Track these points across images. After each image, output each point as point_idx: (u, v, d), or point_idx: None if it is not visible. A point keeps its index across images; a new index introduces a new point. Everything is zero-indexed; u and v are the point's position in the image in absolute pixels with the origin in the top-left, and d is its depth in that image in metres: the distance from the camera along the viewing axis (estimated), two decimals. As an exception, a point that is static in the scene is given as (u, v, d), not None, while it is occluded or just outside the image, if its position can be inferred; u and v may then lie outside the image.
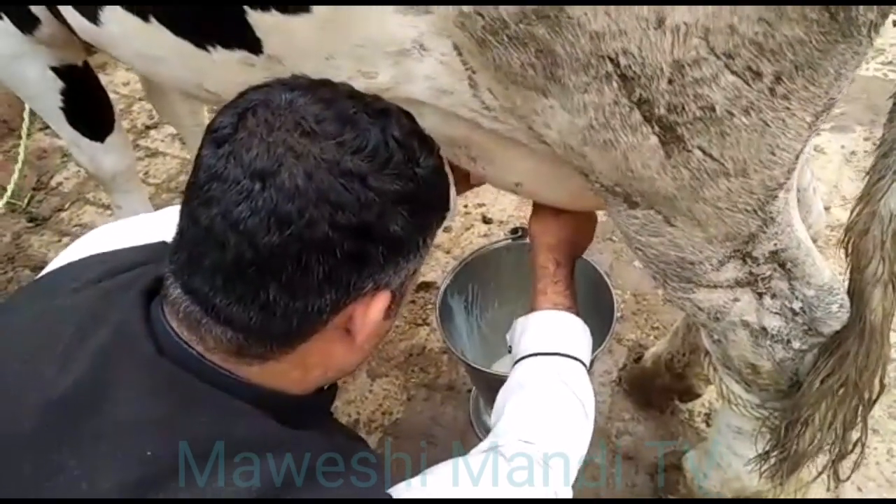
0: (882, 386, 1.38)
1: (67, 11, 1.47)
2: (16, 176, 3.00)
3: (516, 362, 1.29)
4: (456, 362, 2.25)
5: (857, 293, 1.28)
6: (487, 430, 2.14)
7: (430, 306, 2.37)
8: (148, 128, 3.41)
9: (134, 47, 1.42)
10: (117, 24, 1.35)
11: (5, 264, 2.86)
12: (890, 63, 3.10)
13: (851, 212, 1.22)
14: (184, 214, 0.88)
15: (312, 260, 0.83)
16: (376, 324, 0.94)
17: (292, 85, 0.89)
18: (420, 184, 0.90)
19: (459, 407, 2.21)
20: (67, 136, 2.11)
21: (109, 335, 0.90)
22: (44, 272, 1.13)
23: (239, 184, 0.81)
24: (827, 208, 2.53)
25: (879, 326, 1.29)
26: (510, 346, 1.36)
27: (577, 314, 1.34)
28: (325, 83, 0.92)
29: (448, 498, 0.97)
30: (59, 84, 1.93)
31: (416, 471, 0.98)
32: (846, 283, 1.29)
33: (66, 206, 3.11)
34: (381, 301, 0.92)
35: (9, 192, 3.00)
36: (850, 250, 1.26)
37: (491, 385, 1.96)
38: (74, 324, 0.93)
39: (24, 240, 2.96)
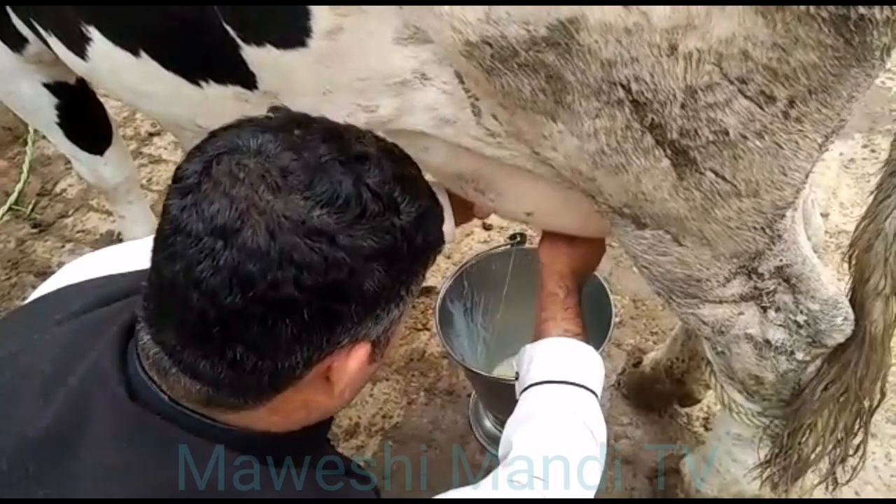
0: (883, 394, 1.36)
1: (55, 45, 1.39)
2: (21, 184, 2.96)
3: (524, 389, 1.23)
4: (456, 367, 2.21)
5: (858, 305, 1.26)
6: (487, 435, 2.15)
7: (430, 311, 2.33)
8: (151, 135, 3.33)
9: (124, 82, 1.35)
10: (106, 59, 1.28)
11: (9, 270, 2.80)
12: (889, 70, 3.07)
13: (857, 227, 1.20)
14: (152, 264, 0.82)
15: (279, 321, 0.77)
16: (357, 372, 0.87)
17: (264, 126, 0.82)
18: (400, 236, 0.82)
19: (459, 411, 2.17)
20: (66, 149, 2.08)
21: (85, 375, 0.86)
22: (30, 298, 1.09)
23: (201, 241, 0.75)
24: (825, 215, 2.52)
25: (880, 337, 1.27)
26: (517, 373, 1.30)
27: (586, 340, 1.29)
28: (301, 122, 0.85)
29: None
30: (54, 100, 1.88)
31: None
32: (845, 289, 1.27)
33: (70, 212, 3.04)
34: (360, 352, 0.85)
35: (13, 199, 2.98)
36: (852, 263, 1.24)
37: (491, 389, 1.93)
38: (54, 360, 0.89)
39: (27, 246, 2.89)
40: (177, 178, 0.80)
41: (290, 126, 0.83)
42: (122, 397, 0.83)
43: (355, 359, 0.85)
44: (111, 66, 1.30)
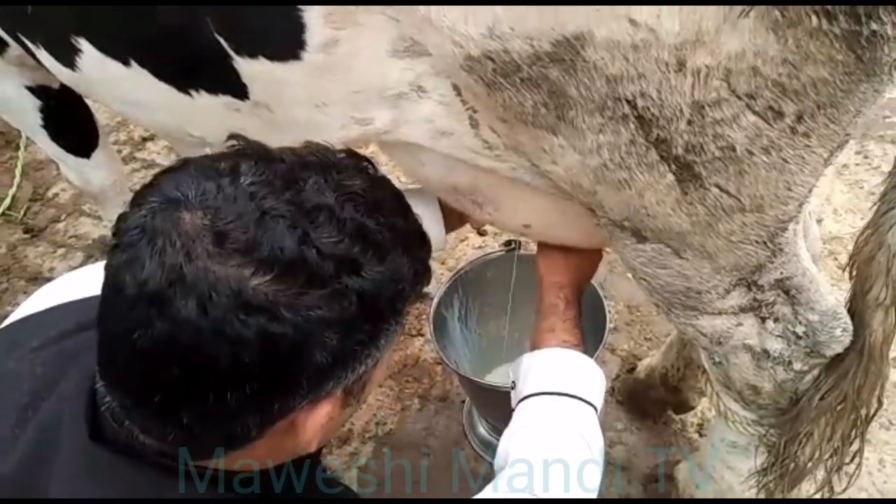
0: (880, 403, 1.35)
1: (44, 57, 1.33)
2: (13, 188, 2.90)
3: (521, 400, 1.19)
4: (450, 373, 2.18)
5: (858, 315, 1.24)
6: (481, 441, 2.12)
7: (424, 317, 2.29)
8: (145, 140, 3.27)
9: (115, 93, 1.30)
10: (96, 69, 1.22)
11: (1, 276, 2.75)
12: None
13: (857, 238, 1.18)
14: (98, 315, 0.75)
15: (221, 394, 0.69)
16: (328, 422, 0.80)
17: (208, 172, 0.73)
18: (356, 300, 0.72)
19: (453, 417, 2.14)
20: (52, 152, 2.01)
21: (55, 409, 0.82)
22: (7, 321, 1.04)
23: (135, 307, 0.68)
24: (819, 220, 2.49)
25: (879, 347, 1.25)
26: (513, 381, 1.27)
27: (585, 353, 1.25)
28: (256, 162, 0.74)
29: None
30: (37, 102, 1.81)
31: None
32: (842, 297, 1.24)
33: (63, 217, 2.98)
34: (324, 409, 0.77)
35: (6, 204, 2.92)
36: (853, 273, 1.22)
37: (485, 396, 1.90)
38: (28, 391, 0.85)
39: (19, 251, 2.84)
40: (115, 231, 0.73)
41: (238, 171, 0.73)
42: (85, 437, 0.78)
43: (320, 414, 0.78)
44: (102, 77, 1.25)
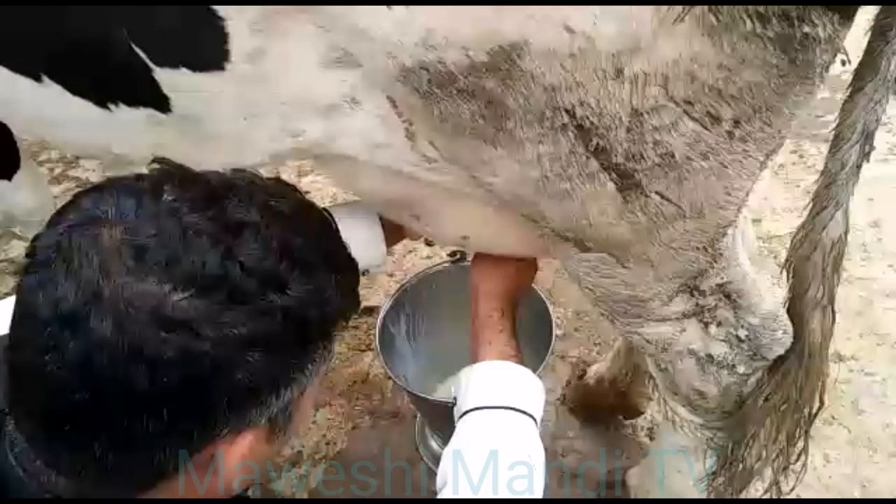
0: (822, 401, 1.36)
1: None
2: (-57, 212, 2.73)
3: (462, 415, 1.15)
4: (400, 388, 2.12)
5: (797, 315, 1.24)
6: (434, 456, 2.07)
7: (372, 331, 2.24)
8: (78, 158, 3.14)
9: (26, 112, 1.20)
10: (6, 87, 1.13)
11: (-71, 301, 2.58)
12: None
13: (793, 238, 1.18)
14: (6, 346, 0.71)
15: (135, 419, 0.66)
16: (251, 456, 0.75)
17: (130, 189, 0.70)
18: (281, 317, 0.69)
19: (405, 433, 2.08)
20: None
21: None
22: None
23: (47, 328, 0.64)
24: (758, 220, 2.53)
25: (819, 346, 1.26)
26: (455, 397, 1.23)
27: (522, 363, 1.22)
28: (179, 182, 0.72)
29: None
30: None
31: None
32: (781, 297, 1.24)
33: (-8, 240, 2.84)
34: (244, 441, 0.73)
35: (-65, 229, 2.75)
36: (790, 274, 1.22)
37: (435, 411, 1.85)
38: None
39: (-51, 275, 2.69)
40: (29, 251, 0.69)
41: (160, 189, 0.70)
42: None
43: (242, 446, 0.73)
44: (11, 95, 1.15)
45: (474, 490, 1.02)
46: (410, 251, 2.59)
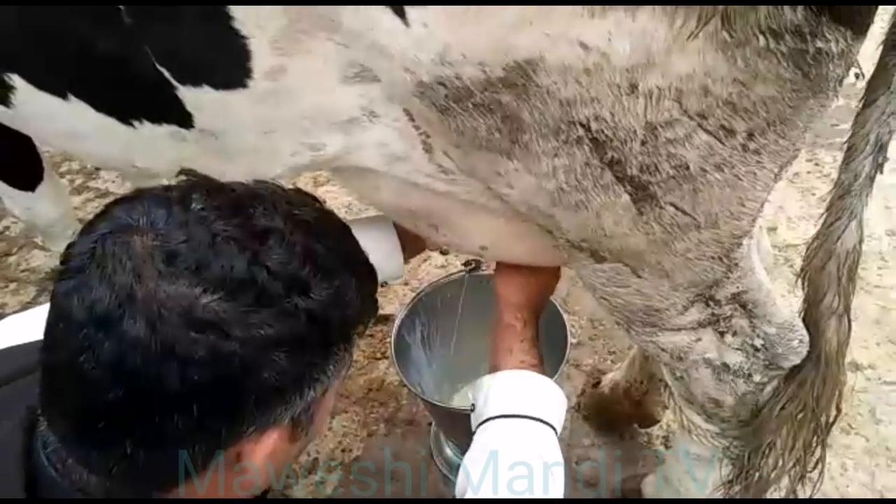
0: (839, 409, 1.35)
1: None
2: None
3: (481, 423, 1.16)
4: (416, 396, 2.13)
5: (812, 324, 1.24)
6: (448, 464, 2.08)
7: (388, 340, 2.25)
8: (98, 169, 3.18)
9: (54, 127, 1.24)
10: (33, 104, 1.17)
11: (-49, 311, 2.63)
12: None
13: (808, 248, 1.18)
14: (41, 349, 0.74)
15: (166, 417, 0.69)
16: (275, 455, 0.78)
17: (159, 199, 0.73)
18: (307, 319, 0.72)
19: (420, 441, 2.09)
20: None
21: None
22: None
23: (82, 330, 0.67)
24: (773, 229, 2.52)
25: (835, 355, 1.26)
26: (473, 404, 1.24)
27: (544, 373, 1.23)
28: (206, 192, 0.75)
29: None
30: None
31: None
32: (797, 306, 1.25)
33: (14, 250, 2.87)
34: (271, 439, 0.76)
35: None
36: (805, 283, 1.22)
37: (450, 419, 1.86)
38: None
39: (-29, 286, 2.73)
40: (64, 258, 0.72)
41: (189, 198, 0.73)
42: (17, 492, 0.74)
43: (266, 445, 0.76)
44: (39, 112, 1.19)
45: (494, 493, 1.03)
46: (425, 260, 2.60)
